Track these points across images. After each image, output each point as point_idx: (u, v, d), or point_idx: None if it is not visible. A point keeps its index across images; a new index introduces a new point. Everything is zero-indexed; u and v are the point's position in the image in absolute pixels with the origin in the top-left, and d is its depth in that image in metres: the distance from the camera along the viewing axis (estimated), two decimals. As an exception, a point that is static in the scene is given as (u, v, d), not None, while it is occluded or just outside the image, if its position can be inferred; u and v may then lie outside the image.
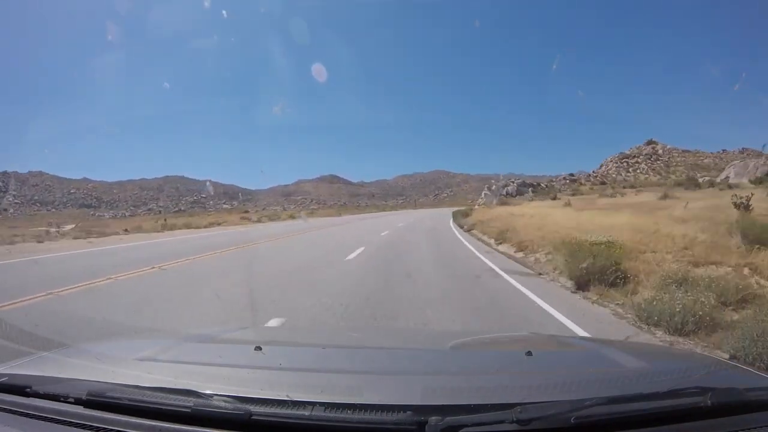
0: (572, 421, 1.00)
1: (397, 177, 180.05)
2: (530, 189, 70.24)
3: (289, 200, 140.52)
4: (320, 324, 5.02)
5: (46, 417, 1.15)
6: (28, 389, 1.22)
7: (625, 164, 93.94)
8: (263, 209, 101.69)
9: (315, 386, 1.25)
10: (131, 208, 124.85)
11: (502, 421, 0.99)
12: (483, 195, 70.25)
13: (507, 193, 65.67)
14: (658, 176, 77.60)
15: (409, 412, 1.01)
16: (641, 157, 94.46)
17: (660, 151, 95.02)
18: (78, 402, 1.16)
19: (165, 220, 33.56)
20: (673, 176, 70.80)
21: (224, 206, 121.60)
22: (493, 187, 71.75)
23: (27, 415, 1.17)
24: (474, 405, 1.04)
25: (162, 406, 1.10)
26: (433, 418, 0.98)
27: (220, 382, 1.24)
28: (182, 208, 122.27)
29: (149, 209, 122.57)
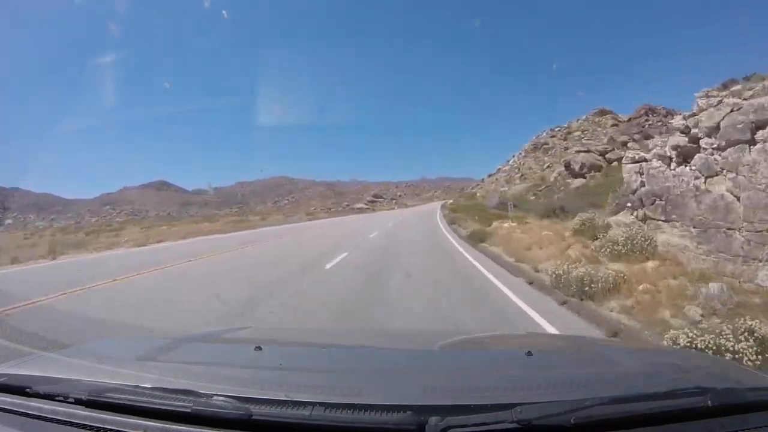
0: (572, 421, 0.99)
1: (236, 184, 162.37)
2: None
3: (99, 211, 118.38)
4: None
5: (46, 417, 1.15)
6: (28, 389, 1.22)
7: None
8: (33, 224, 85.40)
9: (315, 386, 1.25)
10: None
11: (502, 421, 0.99)
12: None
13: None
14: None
15: (409, 413, 1.01)
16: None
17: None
18: (78, 402, 1.16)
19: None
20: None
21: (7, 221, 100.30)
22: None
23: (27, 415, 1.17)
24: (474, 405, 1.04)
25: (162, 406, 1.10)
26: (433, 418, 0.98)
27: (220, 382, 1.24)
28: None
29: None
